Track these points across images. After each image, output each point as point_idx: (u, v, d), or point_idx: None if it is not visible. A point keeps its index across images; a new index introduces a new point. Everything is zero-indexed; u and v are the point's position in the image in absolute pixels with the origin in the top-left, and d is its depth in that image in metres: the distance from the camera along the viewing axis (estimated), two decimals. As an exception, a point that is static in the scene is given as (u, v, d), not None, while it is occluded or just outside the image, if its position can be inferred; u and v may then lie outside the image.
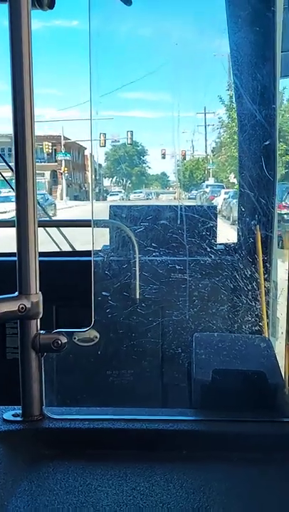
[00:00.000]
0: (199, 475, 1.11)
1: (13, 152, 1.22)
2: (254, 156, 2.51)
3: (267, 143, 2.45)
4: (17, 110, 1.22)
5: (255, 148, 2.49)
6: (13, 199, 1.24)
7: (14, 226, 1.25)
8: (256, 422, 1.24)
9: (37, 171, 1.25)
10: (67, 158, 40.12)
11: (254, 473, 1.13)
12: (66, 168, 40.48)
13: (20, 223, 1.24)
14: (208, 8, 2.68)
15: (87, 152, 53.76)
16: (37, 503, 1.01)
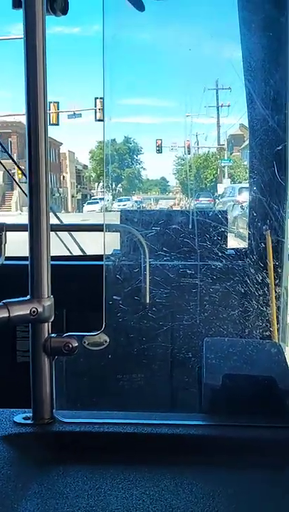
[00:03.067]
0: (209, 480, 1.11)
1: (26, 157, 1.23)
2: (266, 161, 2.51)
3: (279, 148, 2.45)
4: (31, 116, 1.23)
5: (267, 153, 2.49)
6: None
7: (27, 230, 1.26)
8: (266, 428, 1.24)
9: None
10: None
11: (264, 478, 1.12)
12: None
13: (33, 227, 1.25)
14: (221, 14, 2.68)
15: (64, 149, 42.46)
16: (47, 506, 1.01)
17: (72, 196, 43.40)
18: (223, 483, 1.10)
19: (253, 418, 1.26)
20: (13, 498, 1.02)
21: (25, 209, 1.28)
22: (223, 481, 1.11)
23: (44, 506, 1.01)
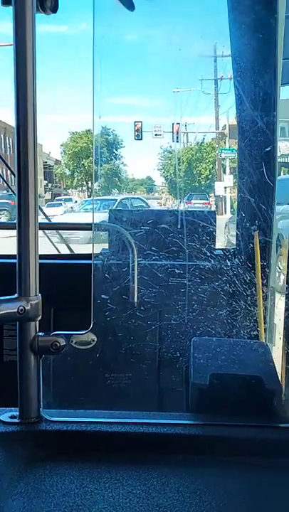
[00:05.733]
0: (196, 479, 1.11)
1: (15, 155, 1.23)
2: (255, 161, 2.52)
3: (268, 149, 2.46)
4: (20, 114, 1.22)
5: (256, 154, 2.51)
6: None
7: (15, 228, 1.26)
8: (253, 427, 1.24)
9: None
10: None
11: (250, 478, 1.13)
12: None
13: (21, 225, 1.25)
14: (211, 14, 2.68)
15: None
16: (33, 505, 1.01)
17: (39, 196, 40.15)
18: (209, 483, 1.10)
19: (240, 417, 1.27)
20: None
21: None
22: (210, 480, 1.11)
23: (30, 505, 1.01)
